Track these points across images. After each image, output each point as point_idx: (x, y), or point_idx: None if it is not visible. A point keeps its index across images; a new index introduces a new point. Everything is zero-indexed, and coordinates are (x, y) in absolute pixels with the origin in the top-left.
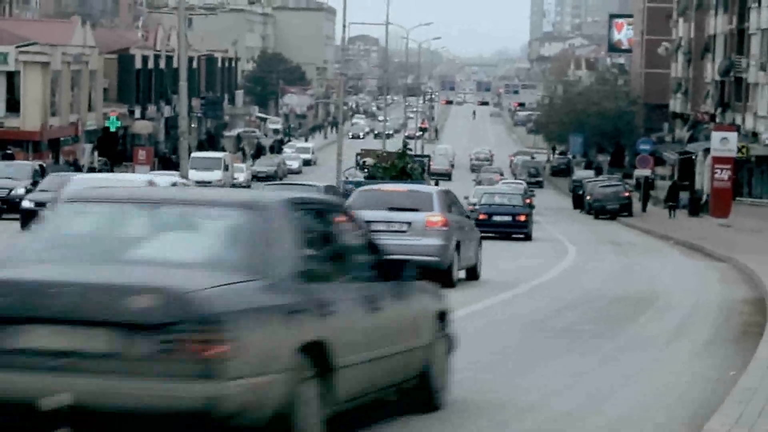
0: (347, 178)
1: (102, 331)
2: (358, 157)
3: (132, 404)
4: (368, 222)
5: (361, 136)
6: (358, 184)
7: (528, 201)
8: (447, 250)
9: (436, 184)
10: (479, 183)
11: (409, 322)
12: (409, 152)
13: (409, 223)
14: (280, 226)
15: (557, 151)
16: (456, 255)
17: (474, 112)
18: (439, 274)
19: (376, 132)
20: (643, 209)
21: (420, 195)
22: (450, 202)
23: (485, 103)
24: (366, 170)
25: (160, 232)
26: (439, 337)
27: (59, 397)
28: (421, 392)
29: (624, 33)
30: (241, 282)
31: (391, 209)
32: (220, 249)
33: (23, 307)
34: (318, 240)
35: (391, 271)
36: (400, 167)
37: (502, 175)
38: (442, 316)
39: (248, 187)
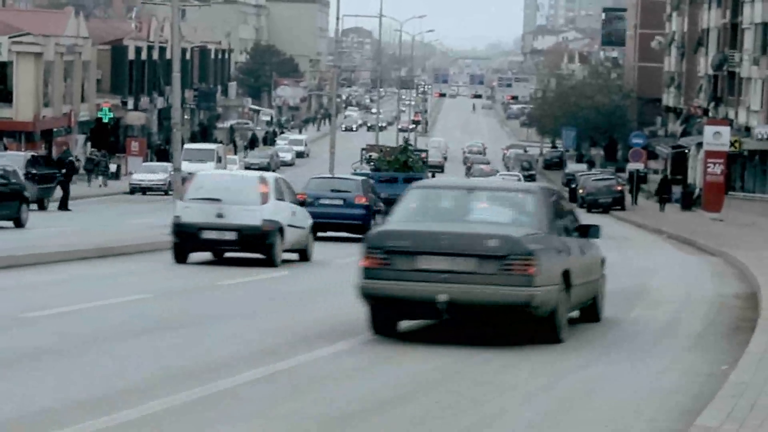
0: (355, 170)
1: (468, 259)
2: (364, 152)
3: (485, 300)
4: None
5: (354, 129)
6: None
7: None
8: None
9: (433, 176)
10: (471, 175)
11: (594, 264)
12: (410, 147)
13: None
14: (546, 203)
15: (554, 146)
16: None
17: (474, 106)
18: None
19: (369, 124)
20: (633, 202)
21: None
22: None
23: (478, 96)
24: (372, 163)
25: (482, 205)
26: (602, 275)
27: (443, 296)
28: (591, 310)
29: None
30: (536, 233)
31: None
32: (518, 215)
33: (421, 245)
34: (559, 211)
35: (585, 231)
36: (403, 161)
37: (488, 164)
38: (603, 262)
39: None
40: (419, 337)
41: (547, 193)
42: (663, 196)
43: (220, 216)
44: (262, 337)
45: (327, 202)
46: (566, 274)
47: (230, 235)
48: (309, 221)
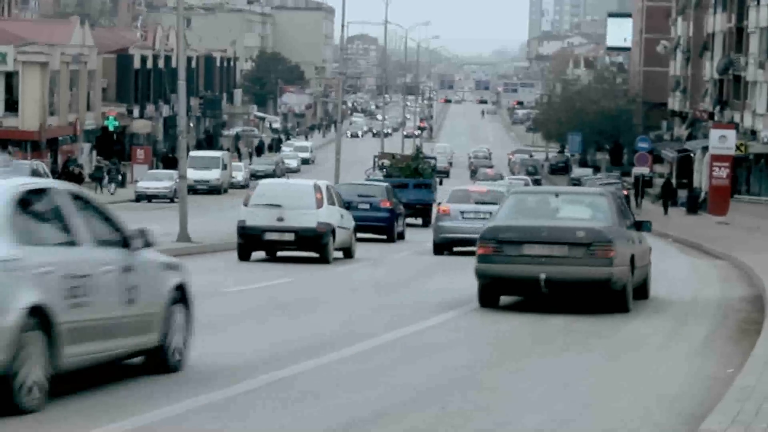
0: (368, 176)
1: (562, 246)
2: (377, 159)
3: (575, 277)
4: (462, 212)
5: (360, 135)
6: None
7: None
8: None
9: (440, 182)
10: (477, 178)
11: (646, 251)
12: (421, 155)
13: (490, 213)
14: (614, 203)
15: (560, 151)
16: None
17: (483, 112)
18: None
19: (374, 131)
20: (637, 205)
21: (496, 194)
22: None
23: (483, 101)
24: (384, 170)
25: (566, 206)
26: (649, 261)
27: (542, 275)
28: (643, 288)
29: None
30: (611, 226)
31: (479, 203)
32: (595, 213)
33: (525, 236)
34: (622, 210)
35: (639, 226)
36: (414, 167)
37: (492, 167)
38: (650, 250)
39: (246, 186)
40: (427, 344)
41: (614, 196)
42: (666, 199)
43: (280, 219)
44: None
45: (355, 206)
46: (632, 258)
47: (289, 236)
48: (352, 223)
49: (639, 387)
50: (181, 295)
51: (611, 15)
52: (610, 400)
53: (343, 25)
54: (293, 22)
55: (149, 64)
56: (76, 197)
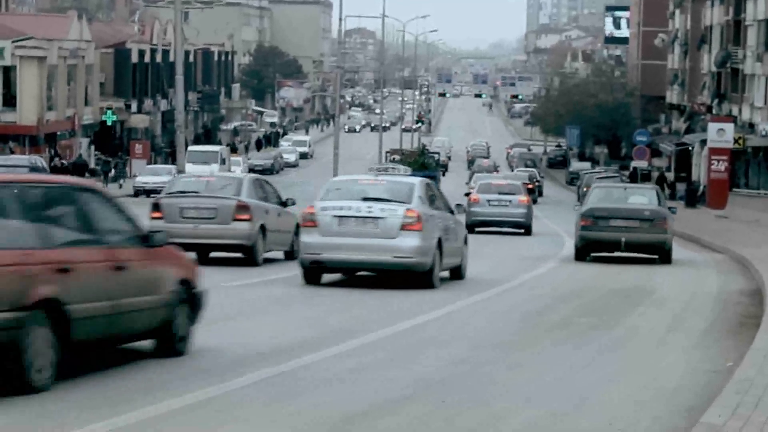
0: (378, 170)
1: (635, 221)
2: (388, 155)
3: (644, 241)
4: (488, 200)
5: (357, 130)
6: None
7: (529, 186)
8: None
9: (443, 173)
10: (473, 170)
11: (673, 223)
12: (426, 152)
13: (510, 201)
14: (660, 192)
15: (558, 145)
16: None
17: (490, 105)
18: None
19: (372, 125)
20: None
21: (513, 185)
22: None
23: (479, 95)
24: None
25: (632, 195)
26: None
27: (623, 239)
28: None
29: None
30: (663, 208)
31: (501, 193)
32: (650, 199)
33: (612, 214)
34: (664, 196)
35: (670, 208)
36: (421, 162)
37: (487, 158)
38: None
39: None
40: (425, 337)
41: (659, 188)
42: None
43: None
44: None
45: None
46: (673, 229)
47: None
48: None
49: (638, 380)
50: None
51: (609, 8)
52: (609, 394)
53: (340, 19)
54: (291, 15)
55: (147, 59)
56: None
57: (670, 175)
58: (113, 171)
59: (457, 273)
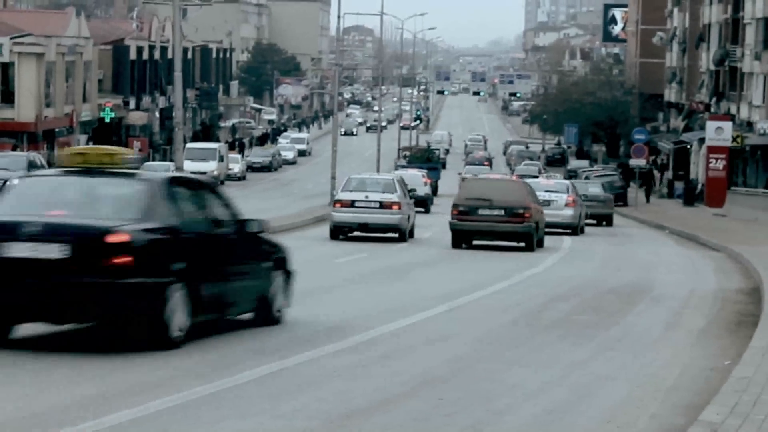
0: (396, 165)
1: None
2: (401, 151)
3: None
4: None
5: (354, 132)
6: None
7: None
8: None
9: (443, 166)
10: (468, 162)
11: None
12: (432, 148)
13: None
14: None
15: (557, 143)
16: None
17: (506, 102)
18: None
19: (368, 125)
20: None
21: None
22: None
23: (477, 93)
24: (406, 158)
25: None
26: None
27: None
28: None
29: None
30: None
31: (547, 191)
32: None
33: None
34: None
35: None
36: (426, 156)
37: (484, 150)
38: None
39: (243, 178)
40: (423, 336)
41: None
42: (648, 188)
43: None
44: None
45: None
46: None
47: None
48: None
49: (636, 378)
50: None
51: (608, 5)
52: (608, 391)
53: (339, 16)
54: (289, 13)
55: (145, 56)
56: None
57: (668, 174)
58: None
59: None
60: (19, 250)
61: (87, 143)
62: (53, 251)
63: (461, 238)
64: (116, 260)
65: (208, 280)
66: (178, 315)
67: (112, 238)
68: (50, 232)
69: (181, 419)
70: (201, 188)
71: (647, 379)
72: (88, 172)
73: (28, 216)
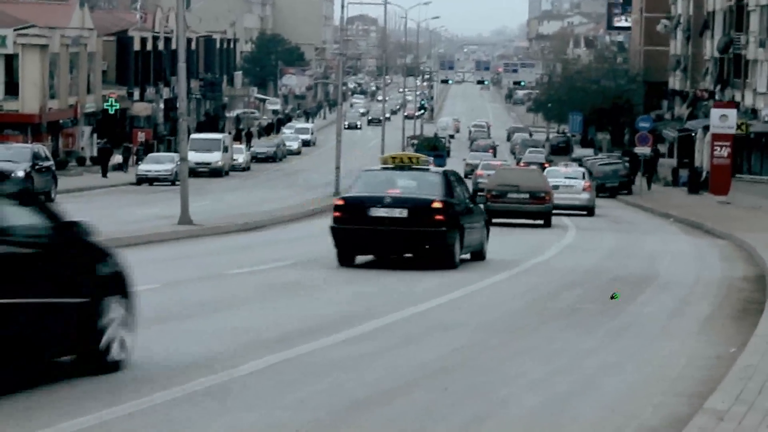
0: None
1: (402, 210)
2: (409, 139)
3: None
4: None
5: (358, 125)
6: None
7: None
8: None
9: (448, 153)
10: (473, 149)
11: None
12: (439, 137)
13: (572, 186)
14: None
15: (561, 132)
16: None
17: (489, 88)
18: None
19: (370, 117)
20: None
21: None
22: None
23: (481, 82)
24: (414, 146)
25: None
26: None
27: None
28: None
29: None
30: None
31: (566, 177)
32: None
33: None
34: None
35: None
36: (433, 144)
37: (487, 137)
38: None
39: (247, 169)
40: (425, 326)
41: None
42: (650, 175)
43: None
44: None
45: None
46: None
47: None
48: None
49: (641, 366)
50: None
51: None
52: (612, 381)
53: (342, 6)
54: (293, 3)
55: (149, 47)
56: None
57: (673, 161)
58: (134, 157)
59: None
60: (380, 212)
61: (91, 135)
62: (400, 213)
63: (493, 216)
64: (437, 217)
65: None
66: None
67: (435, 204)
68: (397, 203)
69: None
70: None
71: (652, 368)
72: (400, 168)
73: (380, 193)
